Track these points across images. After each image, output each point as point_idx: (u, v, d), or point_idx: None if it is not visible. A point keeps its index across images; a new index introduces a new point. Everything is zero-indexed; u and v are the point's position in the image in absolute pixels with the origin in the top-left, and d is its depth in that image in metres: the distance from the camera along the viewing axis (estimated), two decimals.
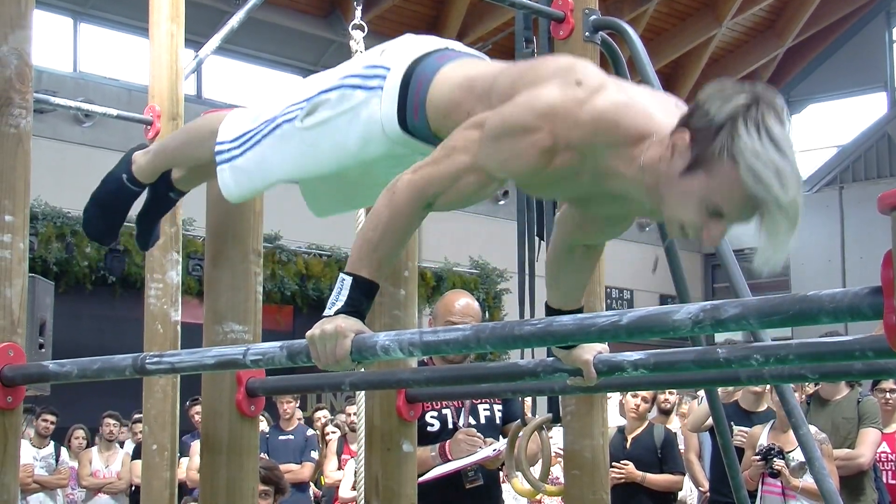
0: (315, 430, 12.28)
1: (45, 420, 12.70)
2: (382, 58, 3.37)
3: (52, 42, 19.02)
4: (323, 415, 12.76)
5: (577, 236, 3.32)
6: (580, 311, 3.33)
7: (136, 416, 11.62)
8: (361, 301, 2.94)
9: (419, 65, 3.30)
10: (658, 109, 2.94)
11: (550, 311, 3.36)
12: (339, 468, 11.49)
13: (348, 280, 2.95)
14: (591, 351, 3.25)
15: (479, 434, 5.87)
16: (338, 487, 11.36)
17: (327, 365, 2.89)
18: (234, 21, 7.50)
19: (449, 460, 5.82)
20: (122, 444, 12.97)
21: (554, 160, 2.89)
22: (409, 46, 3.40)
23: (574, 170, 2.93)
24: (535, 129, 2.86)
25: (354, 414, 12.05)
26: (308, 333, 2.90)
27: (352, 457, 10.38)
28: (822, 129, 28.59)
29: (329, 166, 3.46)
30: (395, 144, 3.30)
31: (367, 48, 6.60)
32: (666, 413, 10.06)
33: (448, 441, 5.83)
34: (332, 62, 18.02)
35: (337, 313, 2.90)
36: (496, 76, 3.13)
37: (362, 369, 3.79)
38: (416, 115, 3.25)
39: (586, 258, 3.41)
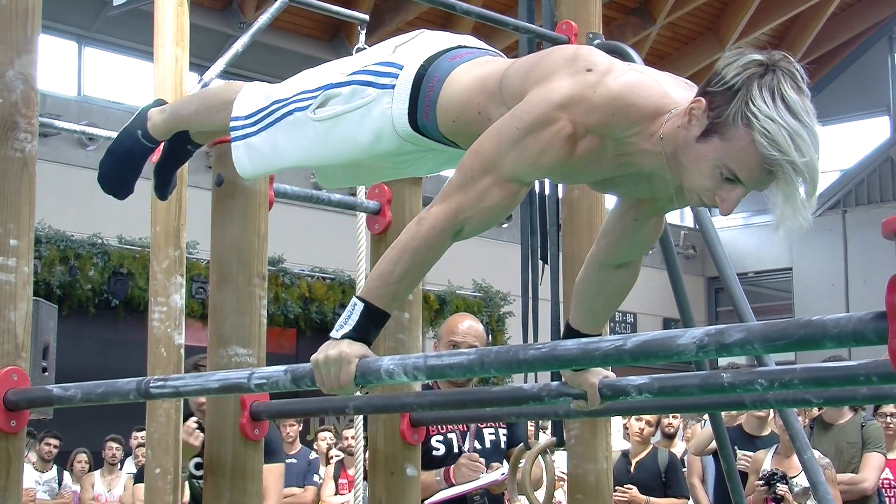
0: (317, 452, 12.25)
1: (48, 444, 12.70)
2: (395, 55, 3.37)
3: (57, 66, 19.07)
4: (328, 436, 12.70)
5: (613, 252, 3.33)
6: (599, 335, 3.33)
7: (136, 433, 11.63)
8: (369, 329, 2.94)
9: (432, 64, 3.29)
10: (672, 86, 3.01)
11: (570, 330, 3.38)
12: (337, 493, 11.46)
13: (360, 306, 2.95)
14: (598, 375, 3.25)
15: (481, 459, 5.87)
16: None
17: (331, 389, 2.89)
18: (239, 45, 7.51)
19: (453, 485, 5.82)
20: (122, 462, 12.95)
21: (577, 147, 2.91)
22: (422, 44, 3.40)
23: (597, 153, 2.95)
24: (554, 120, 2.87)
25: (352, 437, 12.10)
26: (312, 358, 2.90)
27: (349, 481, 10.38)
28: (825, 152, 28.22)
29: (339, 157, 3.49)
30: (405, 142, 3.32)
31: None
32: (670, 437, 10.06)
33: (452, 466, 5.83)
34: None
35: (343, 337, 2.90)
36: (505, 73, 3.14)
37: (366, 393, 3.79)
38: (426, 116, 3.26)
39: (619, 281, 3.42)
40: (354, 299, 2.98)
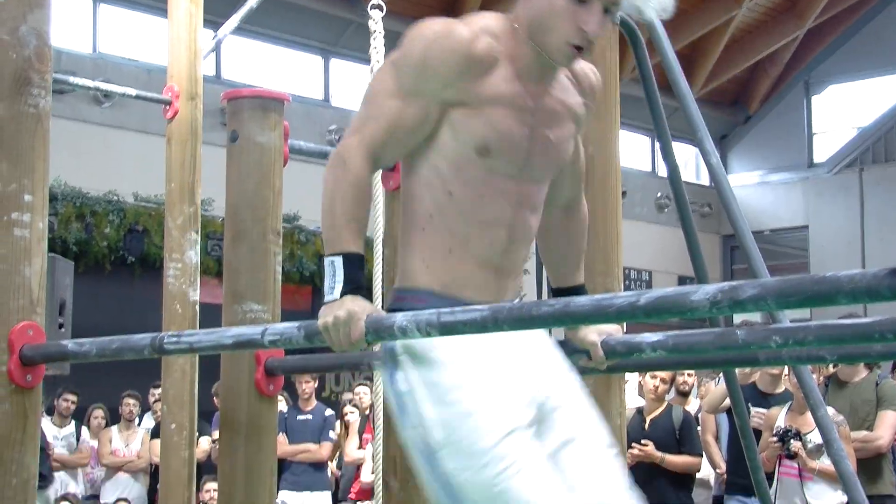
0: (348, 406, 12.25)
1: (66, 400, 12.74)
2: None
3: (72, 23, 19.03)
4: (364, 391, 12.61)
5: (550, 191, 3.34)
6: (581, 287, 3.36)
7: (154, 389, 11.66)
8: (357, 274, 2.98)
9: None
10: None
11: (554, 291, 3.41)
12: (361, 447, 11.49)
13: (338, 259, 2.97)
14: (599, 332, 3.24)
15: None
16: (359, 467, 11.37)
17: (343, 348, 2.91)
18: (253, 1, 7.50)
19: None
20: (140, 418, 12.99)
21: (470, 60, 3.05)
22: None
23: (487, 66, 3.07)
24: (440, 35, 3.07)
25: (364, 394, 12.05)
26: (320, 323, 2.93)
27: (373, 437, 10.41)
28: (843, 110, 28.48)
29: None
30: None
31: (385, 28, 6.61)
32: (684, 395, 10.06)
33: None
34: (352, 43, 18.09)
35: (341, 295, 2.91)
36: None
37: (376, 348, 3.79)
38: None
39: (571, 222, 3.47)
40: (329, 259, 3.00)
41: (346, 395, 13.04)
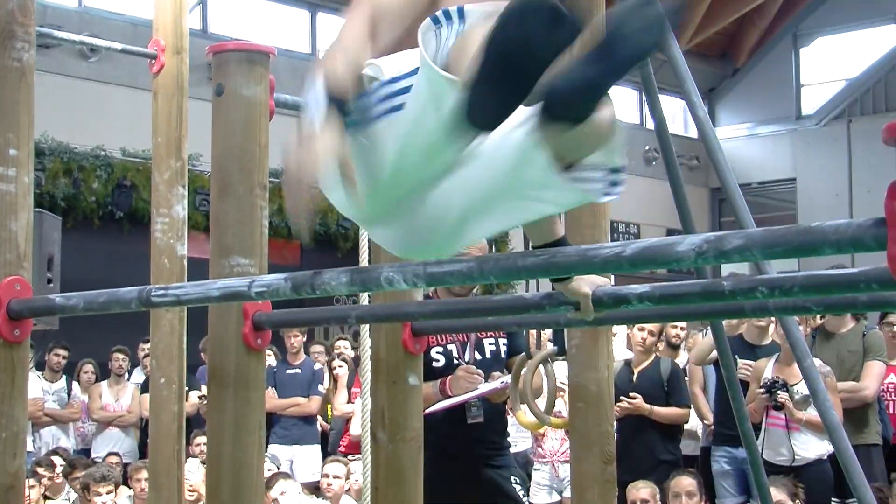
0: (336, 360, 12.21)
1: (58, 355, 12.77)
2: None
3: None
4: (343, 345, 12.63)
5: None
6: (563, 239, 3.24)
7: (143, 344, 11.65)
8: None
9: None
10: None
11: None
12: (350, 401, 11.51)
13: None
14: (591, 283, 3.17)
15: (479, 371, 5.89)
16: (348, 421, 11.40)
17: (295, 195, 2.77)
18: None
19: (449, 396, 5.85)
20: (130, 373, 13.01)
21: None
22: None
23: None
24: None
25: (344, 348, 12.04)
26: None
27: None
28: (831, 62, 28.48)
29: None
30: None
31: None
32: (675, 347, 10.08)
33: (448, 377, 5.85)
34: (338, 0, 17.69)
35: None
36: None
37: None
38: None
39: None
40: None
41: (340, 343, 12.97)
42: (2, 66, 3.75)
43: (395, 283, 2.84)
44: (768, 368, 8.63)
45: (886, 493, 7.67)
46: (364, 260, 5.16)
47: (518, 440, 9.18)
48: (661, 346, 9.68)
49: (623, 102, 25.58)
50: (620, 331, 10.33)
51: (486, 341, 6.22)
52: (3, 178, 3.72)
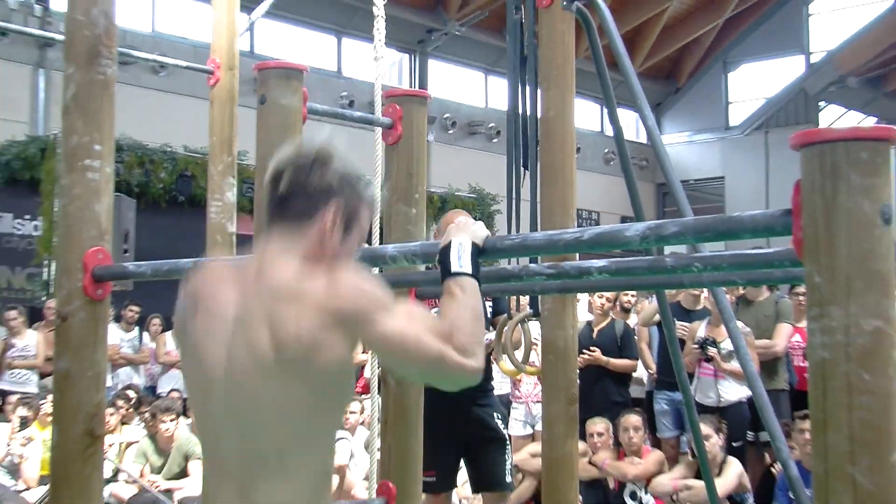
0: None
1: (131, 310, 12.79)
2: None
3: (134, 7, 18.94)
4: None
5: None
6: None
7: None
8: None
9: None
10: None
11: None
12: (364, 351, 11.48)
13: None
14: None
15: None
16: (361, 367, 11.39)
17: None
18: None
19: None
20: None
21: None
22: None
23: None
24: None
25: None
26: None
27: None
28: (753, 84, 28.69)
29: None
30: None
31: (386, 15, 6.53)
32: (626, 311, 10.11)
33: None
34: (360, 25, 17.89)
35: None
36: None
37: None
38: None
39: None
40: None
41: None
42: (90, 79, 3.74)
43: (397, 260, 2.84)
44: (701, 329, 8.65)
45: (791, 427, 7.69)
46: (375, 241, 5.15)
47: (500, 384, 9.17)
48: (616, 310, 9.70)
49: (587, 114, 25.58)
50: (583, 297, 10.35)
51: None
52: (89, 168, 3.72)
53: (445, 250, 2.62)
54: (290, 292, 2.43)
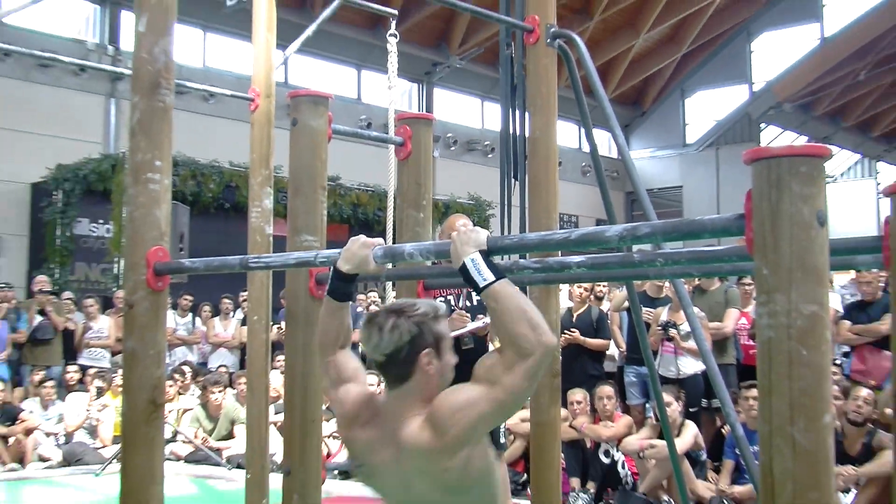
0: (361, 307, 12.16)
1: (186, 299, 12.84)
2: None
3: (188, 46, 18.98)
4: (374, 295, 12.56)
5: None
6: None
7: (242, 293, 11.63)
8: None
9: None
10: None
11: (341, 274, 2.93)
12: None
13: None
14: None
15: (467, 314, 5.88)
16: None
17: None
18: (309, 31, 7.44)
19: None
20: (234, 312, 13.03)
21: None
22: None
23: None
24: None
25: (377, 296, 11.93)
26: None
27: None
28: (705, 108, 28.77)
29: None
30: None
31: (398, 51, 6.50)
32: (600, 299, 10.10)
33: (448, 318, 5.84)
34: (376, 59, 17.84)
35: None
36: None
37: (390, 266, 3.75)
38: None
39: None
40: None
41: (360, 297, 12.89)
42: (152, 106, 3.74)
43: (414, 256, 2.83)
44: (663, 314, 8.64)
45: (738, 395, 7.69)
46: (389, 240, 5.14)
47: None
48: (592, 298, 9.69)
49: (568, 133, 25.58)
50: (564, 288, 10.33)
51: (473, 293, 6.20)
52: (151, 180, 3.72)
53: (464, 271, 2.54)
54: (426, 454, 2.50)
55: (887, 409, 7.11)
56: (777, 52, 27.24)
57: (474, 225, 3.62)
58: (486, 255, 2.55)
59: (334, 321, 2.93)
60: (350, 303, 2.93)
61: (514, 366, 2.42)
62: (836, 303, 9.23)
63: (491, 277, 2.50)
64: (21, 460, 9.88)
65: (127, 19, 18.24)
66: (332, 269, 2.89)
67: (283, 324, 5.64)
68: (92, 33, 18.41)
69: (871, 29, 24.95)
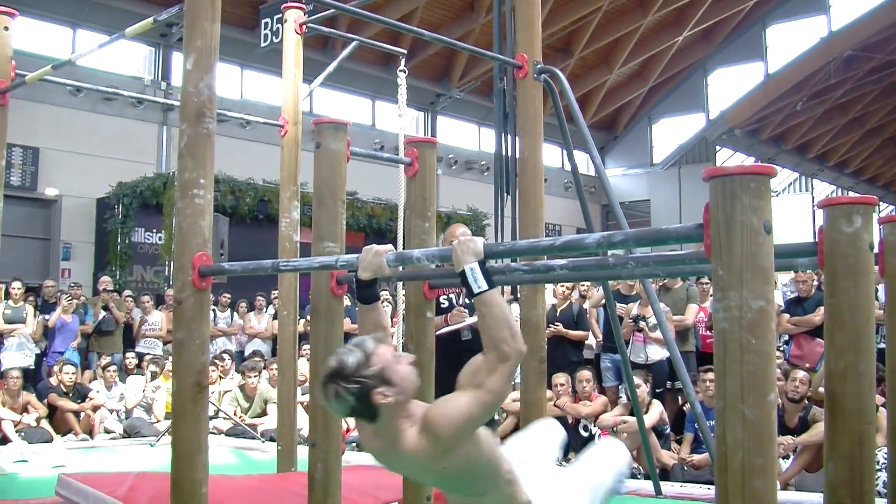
0: (383, 302, 12.04)
1: (225, 297, 12.80)
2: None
3: (228, 81, 18.97)
4: (386, 293, 12.53)
5: None
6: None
7: (274, 291, 11.62)
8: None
9: None
10: None
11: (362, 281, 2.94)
12: (391, 326, 11.41)
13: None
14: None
15: (466, 310, 5.87)
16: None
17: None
18: (331, 67, 7.44)
19: (449, 325, 5.83)
20: (266, 307, 13.02)
21: None
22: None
23: None
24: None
25: (389, 294, 11.85)
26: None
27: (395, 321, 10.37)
28: (670, 133, 28.72)
29: None
30: None
31: (407, 85, 6.49)
32: (583, 297, 10.08)
33: (449, 314, 5.83)
34: (388, 91, 17.80)
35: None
36: None
37: (401, 268, 3.75)
38: None
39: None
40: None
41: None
42: (197, 132, 3.74)
43: (421, 260, 2.83)
44: (634, 308, 8.62)
45: (697, 377, 7.68)
46: (400, 246, 5.14)
47: None
48: (577, 296, 9.67)
49: (552, 154, 25.58)
50: (549, 287, 10.32)
51: None
52: (197, 196, 3.71)
53: (463, 276, 2.55)
54: (428, 458, 2.52)
55: (820, 388, 7.11)
56: (729, 85, 27.27)
57: (472, 233, 3.62)
58: (483, 263, 2.55)
59: (368, 321, 2.92)
60: (378, 302, 2.92)
61: (495, 369, 2.45)
62: (778, 298, 9.24)
63: (485, 286, 2.51)
64: (90, 432, 10.07)
65: (177, 59, 18.28)
66: (354, 279, 2.89)
67: (308, 318, 5.67)
68: (148, 71, 18.45)
69: (807, 67, 25.10)
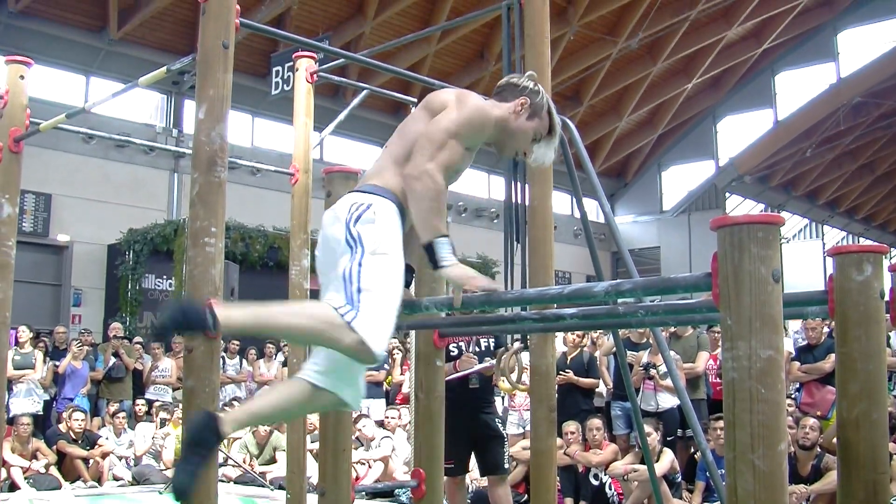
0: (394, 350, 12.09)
1: (234, 344, 12.78)
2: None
3: (239, 129, 19.14)
4: (396, 341, 12.51)
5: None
6: (428, 244, 2.89)
7: (284, 343, 11.63)
8: (452, 247, 2.84)
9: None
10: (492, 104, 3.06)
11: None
12: (402, 374, 11.45)
13: (444, 239, 2.80)
14: (458, 288, 2.82)
15: (475, 357, 5.87)
16: (400, 385, 11.35)
17: (482, 288, 2.73)
18: (342, 116, 7.52)
19: (458, 372, 5.82)
20: (276, 355, 13.00)
21: (485, 133, 3.02)
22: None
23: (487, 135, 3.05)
24: (486, 108, 3.01)
25: (399, 342, 11.80)
26: (457, 276, 2.77)
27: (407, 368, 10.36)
28: (679, 180, 28.76)
29: (400, 255, 2.89)
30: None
31: None
32: (594, 344, 10.05)
33: (457, 360, 5.83)
34: None
35: (458, 261, 2.80)
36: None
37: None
38: None
39: None
40: (442, 239, 2.81)
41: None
42: (209, 181, 3.76)
43: (430, 308, 2.84)
44: (644, 356, 8.60)
45: (708, 426, 7.62)
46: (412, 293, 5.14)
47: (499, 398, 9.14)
48: (589, 343, 9.65)
49: (562, 202, 25.67)
50: (559, 335, 10.30)
51: (481, 340, 6.19)
52: (208, 244, 3.72)
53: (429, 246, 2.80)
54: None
55: (833, 438, 7.06)
56: (738, 133, 27.39)
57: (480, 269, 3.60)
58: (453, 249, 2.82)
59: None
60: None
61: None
62: (789, 345, 9.20)
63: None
64: (98, 479, 10.06)
65: (188, 107, 18.48)
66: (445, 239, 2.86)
67: None
68: (160, 119, 18.65)
69: (816, 114, 25.22)
